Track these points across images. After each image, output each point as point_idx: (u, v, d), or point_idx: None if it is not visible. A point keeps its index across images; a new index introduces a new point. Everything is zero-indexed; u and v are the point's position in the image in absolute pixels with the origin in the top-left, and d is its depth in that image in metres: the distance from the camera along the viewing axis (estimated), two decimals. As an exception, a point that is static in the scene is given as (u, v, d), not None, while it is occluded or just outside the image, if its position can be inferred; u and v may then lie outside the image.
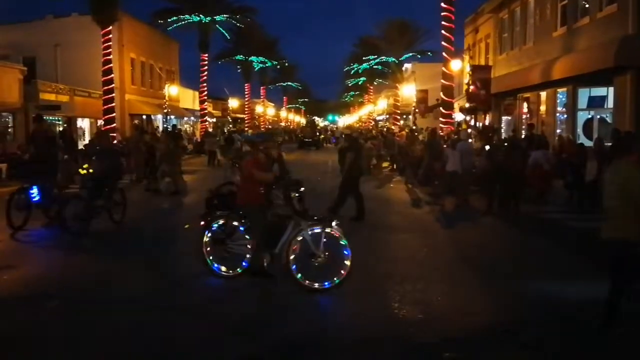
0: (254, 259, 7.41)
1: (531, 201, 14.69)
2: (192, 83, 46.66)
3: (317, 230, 7.26)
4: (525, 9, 26.03)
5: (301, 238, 7.27)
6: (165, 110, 38.28)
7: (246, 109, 59.82)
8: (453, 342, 5.53)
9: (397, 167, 25.02)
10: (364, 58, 52.17)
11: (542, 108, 23.96)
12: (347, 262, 7.19)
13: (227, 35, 42.69)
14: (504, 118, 28.82)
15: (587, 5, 19.80)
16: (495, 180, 13.55)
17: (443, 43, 25.18)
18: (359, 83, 67.57)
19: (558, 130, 21.73)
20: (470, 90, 26.06)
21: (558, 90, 22.04)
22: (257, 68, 60.12)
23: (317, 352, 5.46)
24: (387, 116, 62.09)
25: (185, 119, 49.20)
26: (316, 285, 7.13)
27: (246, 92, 59.48)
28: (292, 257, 7.17)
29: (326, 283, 7.14)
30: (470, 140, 18.38)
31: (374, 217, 12.54)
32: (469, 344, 5.54)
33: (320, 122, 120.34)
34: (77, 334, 5.77)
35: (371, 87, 66.88)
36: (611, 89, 18.45)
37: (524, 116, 25.34)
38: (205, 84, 41.44)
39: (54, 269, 8.39)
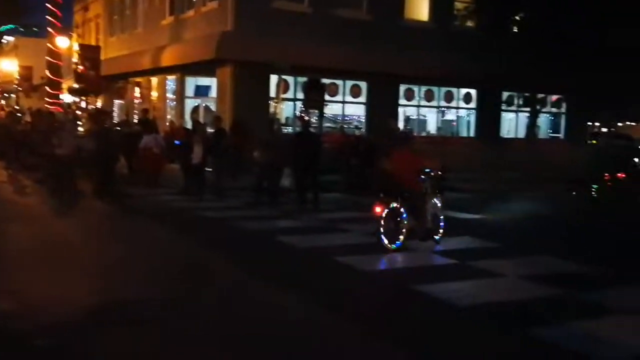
0: (420, 230, 8.91)
1: (142, 184, 14.95)
2: None
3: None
4: (135, -7, 26.11)
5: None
6: None
7: None
8: (50, 329, 5.23)
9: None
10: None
11: (154, 94, 24.51)
12: None
13: None
14: (116, 102, 28.50)
15: (192, -1, 20.96)
16: (99, 163, 13.37)
17: (49, 17, 23.48)
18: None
19: (168, 116, 22.57)
20: (79, 71, 24.91)
21: (167, 77, 22.84)
22: None
23: None
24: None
25: None
26: None
27: None
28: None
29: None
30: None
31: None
32: (68, 329, 5.31)
33: None
34: None
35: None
36: (215, 79, 20.02)
37: (136, 101, 25.49)
38: None
39: None
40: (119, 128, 18.50)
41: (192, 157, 14.08)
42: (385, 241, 8.55)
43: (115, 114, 27.32)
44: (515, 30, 20.55)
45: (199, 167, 14.10)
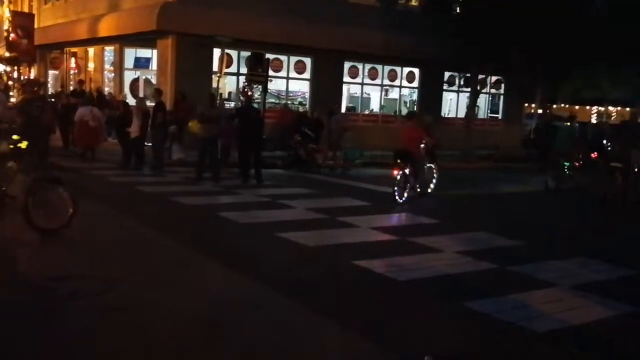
0: (422, 186, 11.53)
1: (78, 157, 14.53)
2: None
3: None
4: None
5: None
6: None
7: None
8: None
9: None
10: None
11: (91, 65, 23.63)
12: None
13: None
14: (51, 72, 27.36)
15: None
16: (32, 136, 12.83)
17: (-24, -19, 22.16)
18: None
19: (106, 89, 21.80)
20: (10, 39, 23.76)
21: (105, 47, 22.04)
22: None
23: None
24: None
25: None
26: None
27: None
28: None
29: None
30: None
31: None
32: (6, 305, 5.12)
33: None
34: None
35: None
36: (155, 51, 19.43)
37: (72, 71, 24.53)
38: None
39: None
40: (53, 100, 17.81)
41: (130, 130, 13.70)
42: (398, 197, 10.64)
43: (49, 85, 26.27)
44: (457, 11, 20.79)
45: (137, 141, 13.75)
